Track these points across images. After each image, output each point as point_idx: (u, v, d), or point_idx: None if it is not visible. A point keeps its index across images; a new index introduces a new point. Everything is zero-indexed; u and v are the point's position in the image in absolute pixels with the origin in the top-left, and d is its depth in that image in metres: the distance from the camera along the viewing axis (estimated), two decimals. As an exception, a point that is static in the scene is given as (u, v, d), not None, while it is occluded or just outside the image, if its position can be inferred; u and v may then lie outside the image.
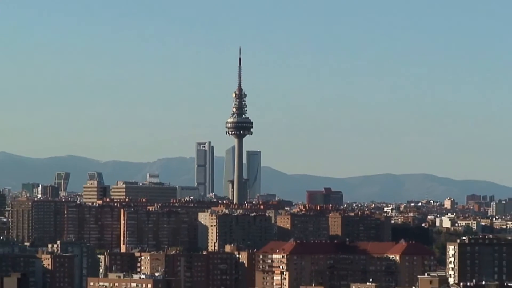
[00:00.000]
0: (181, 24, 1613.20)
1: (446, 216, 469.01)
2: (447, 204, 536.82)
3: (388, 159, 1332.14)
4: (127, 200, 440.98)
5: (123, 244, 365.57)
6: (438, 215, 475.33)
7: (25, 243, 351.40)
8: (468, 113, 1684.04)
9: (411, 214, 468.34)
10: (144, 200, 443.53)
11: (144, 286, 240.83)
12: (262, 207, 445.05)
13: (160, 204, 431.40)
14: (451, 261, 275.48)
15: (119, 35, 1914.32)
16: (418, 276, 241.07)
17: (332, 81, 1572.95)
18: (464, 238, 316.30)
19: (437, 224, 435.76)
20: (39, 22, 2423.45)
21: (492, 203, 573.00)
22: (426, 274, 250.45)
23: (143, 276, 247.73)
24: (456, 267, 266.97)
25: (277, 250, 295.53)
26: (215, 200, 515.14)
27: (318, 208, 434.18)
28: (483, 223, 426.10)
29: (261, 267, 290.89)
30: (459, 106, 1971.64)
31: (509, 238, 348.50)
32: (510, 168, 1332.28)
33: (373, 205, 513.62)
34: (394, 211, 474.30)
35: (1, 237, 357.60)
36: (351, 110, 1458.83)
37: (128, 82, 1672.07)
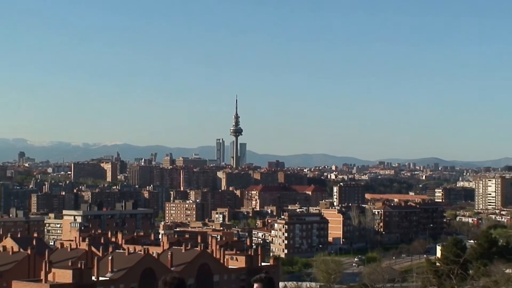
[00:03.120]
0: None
1: (333, 173, 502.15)
2: (334, 168, 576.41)
3: (305, 145, 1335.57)
4: (183, 166, 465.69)
5: (182, 186, 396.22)
6: (329, 173, 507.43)
7: (136, 186, 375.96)
8: (347, 115, 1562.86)
9: (316, 172, 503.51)
10: (192, 166, 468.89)
11: (192, 206, 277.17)
12: (247, 169, 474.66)
13: (199, 168, 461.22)
14: (335, 195, 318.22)
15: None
16: (320, 202, 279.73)
17: (286, 106, 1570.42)
18: (341, 184, 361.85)
19: (329, 177, 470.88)
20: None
21: (354, 167, 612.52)
22: (323, 200, 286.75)
23: (191, 201, 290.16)
24: (337, 198, 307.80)
25: (254, 189, 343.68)
26: (225, 166, 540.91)
27: (273, 170, 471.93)
28: (350, 177, 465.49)
29: (246, 197, 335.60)
30: (341, 109, 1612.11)
31: (362, 184, 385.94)
32: (365, 149, 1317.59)
33: (298, 168, 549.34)
34: (308, 171, 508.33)
35: (125, 183, 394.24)
36: (290, 125, 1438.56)
37: (190, 109, 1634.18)
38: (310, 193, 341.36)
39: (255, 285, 8.11)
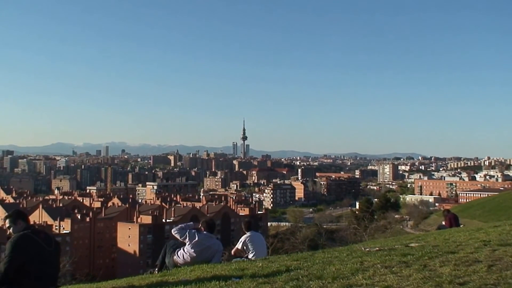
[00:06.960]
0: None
1: (298, 161, 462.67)
2: (298, 158, 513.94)
3: (283, 145, 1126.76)
4: (214, 157, 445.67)
5: (213, 169, 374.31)
6: (296, 161, 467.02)
7: (187, 168, 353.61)
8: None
9: (289, 161, 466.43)
10: (219, 157, 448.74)
11: (219, 179, 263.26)
12: (249, 159, 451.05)
13: (223, 158, 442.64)
14: (299, 173, 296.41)
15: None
16: (291, 177, 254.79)
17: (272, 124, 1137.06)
18: (303, 167, 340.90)
19: (296, 163, 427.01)
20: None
21: (310, 158, 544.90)
22: (292, 176, 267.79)
23: (218, 177, 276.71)
24: (300, 175, 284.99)
25: (254, 171, 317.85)
26: (237, 157, 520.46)
27: (264, 159, 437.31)
28: (307, 163, 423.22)
29: (249, 175, 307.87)
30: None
31: (314, 167, 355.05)
32: (316, 147, 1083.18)
33: (279, 158, 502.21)
34: (284, 160, 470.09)
35: (181, 167, 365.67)
36: (275, 133, 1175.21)
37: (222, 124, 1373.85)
38: (285, 172, 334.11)
39: (243, 226, 8.20)
